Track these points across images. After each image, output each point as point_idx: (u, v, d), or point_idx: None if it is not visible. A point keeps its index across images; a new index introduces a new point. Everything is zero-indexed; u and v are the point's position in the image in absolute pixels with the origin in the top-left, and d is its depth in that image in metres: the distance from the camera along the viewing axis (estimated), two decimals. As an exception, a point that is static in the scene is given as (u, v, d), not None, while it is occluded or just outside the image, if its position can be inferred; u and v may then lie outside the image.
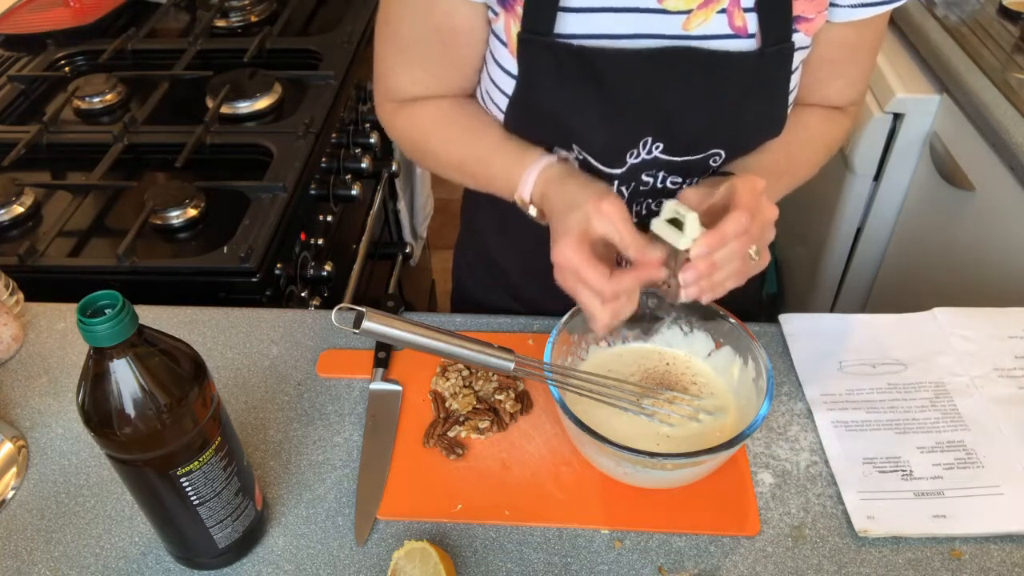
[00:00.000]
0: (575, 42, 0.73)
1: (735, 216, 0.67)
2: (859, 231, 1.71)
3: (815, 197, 1.76)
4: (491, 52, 0.80)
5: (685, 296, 0.70)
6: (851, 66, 0.85)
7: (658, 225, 0.70)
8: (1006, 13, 1.50)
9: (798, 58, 0.79)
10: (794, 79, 0.80)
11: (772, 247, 0.73)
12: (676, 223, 0.69)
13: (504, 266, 1.02)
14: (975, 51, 1.40)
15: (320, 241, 1.32)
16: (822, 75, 0.84)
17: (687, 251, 0.68)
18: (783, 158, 0.83)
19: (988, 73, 1.34)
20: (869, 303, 1.80)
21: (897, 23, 1.62)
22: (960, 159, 1.40)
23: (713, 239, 0.67)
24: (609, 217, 0.69)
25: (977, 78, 1.35)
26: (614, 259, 0.73)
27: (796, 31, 0.76)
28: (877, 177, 1.61)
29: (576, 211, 0.71)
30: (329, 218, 1.38)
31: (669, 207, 0.69)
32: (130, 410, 0.59)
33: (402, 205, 1.84)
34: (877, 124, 1.52)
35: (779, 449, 0.81)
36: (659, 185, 0.83)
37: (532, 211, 0.79)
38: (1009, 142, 1.24)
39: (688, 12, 0.73)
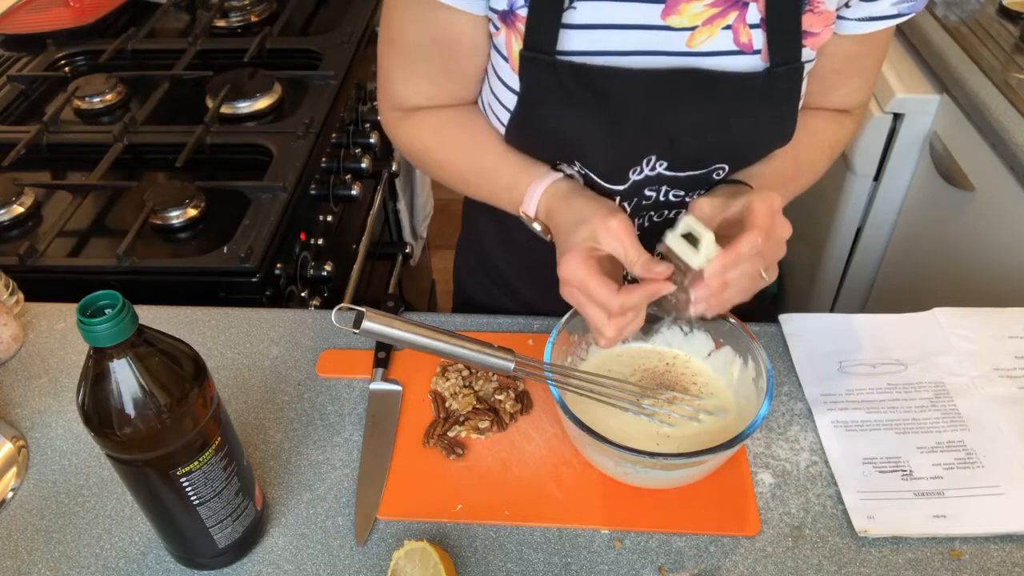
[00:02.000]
0: (577, 59, 0.72)
1: (750, 237, 0.67)
2: (859, 231, 1.71)
3: (815, 197, 1.76)
4: (492, 66, 0.79)
5: (693, 312, 0.70)
6: (856, 75, 0.84)
7: (672, 239, 0.69)
8: (1006, 13, 1.50)
9: (804, 70, 0.78)
10: (801, 91, 0.79)
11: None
12: (690, 238, 0.68)
13: (504, 270, 1.02)
14: (975, 51, 1.40)
15: (320, 241, 1.32)
16: (827, 83, 0.83)
17: (700, 269, 0.68)
18: (790, 164, 0.83)
19: (988, 73, 1.34)
20: (869, 303, 1.80)
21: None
22: (960, 159, 1.40)
23: (728, 259, 0.67)
24: (617, 234, 0.69)
25: (977, 78, 1.35)
26: (620, 277, 0.73)
27: (802, 46, 0.75)
28: (877, 177, 1.62)
29: (583, 227, 0.70)
30: (329, 218, 1.38)
31: (685, 223, 0.69)
32: (130, 410, 0.59)
33: (402, 205, 1.84)
34: (877, 124, 1.52)
35: (779, 449, 0.81)
36: (662, 199, 0.83)
37: (536, 227, 0.78)
38: (1009, 142, 1.24)
39: (692, 29, 0.72)
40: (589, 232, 0.70)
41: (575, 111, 0.75)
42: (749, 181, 0.79)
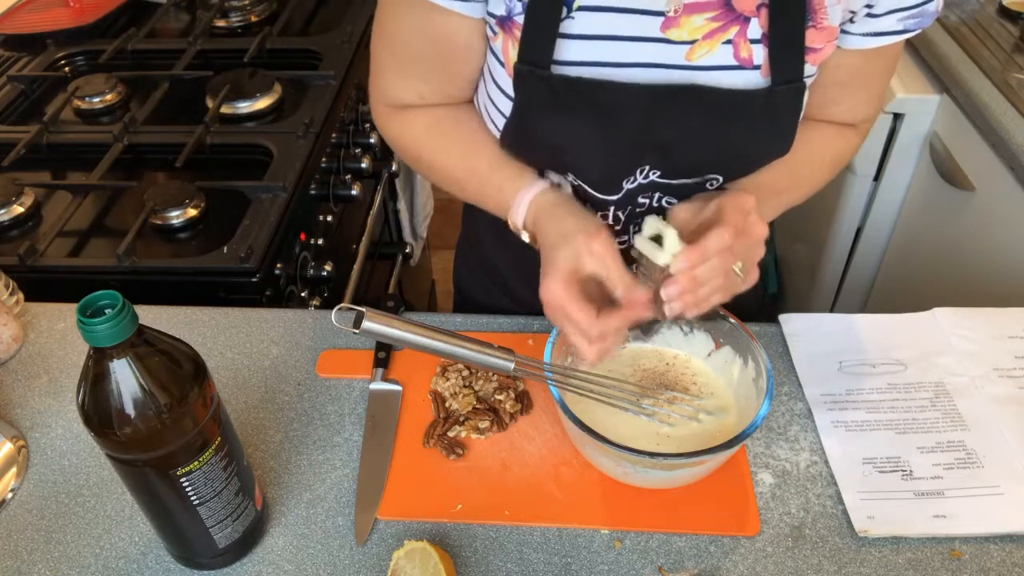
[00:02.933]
0: (573, 71, 0.72)
1: (717, 232, 0.67)
2: (859, 231, 1.71)
3: (815, 197, 1.75)
4: (489, 70, 0.79)
5: (669, 312, 0.70)
6: (861, 88, 0.83)
7: (640, 242, 0.70)
8: (1006, 13, 1.50)
9: (806, 85, 0.77)
10: (802, 107, 0.78)
11: (772, 247, 0.73)
12: (659, 240, 0.69)
13: (504, 271, 1.02)
14: (975, 51, 1.40)
15: (320, 241, 1.32)
16: (830, 95, 0.82)
17: (668, 267, 0.68)
18: (785, 175, 0.83)
19: (988, 73, 1.34)
20: (869, 303, 1.80)
21: (897, 23, 1.62)
22: (960, 159, 1.40)
23: (694, 254, 0.67)
24: (599, 256, 0.69)
25: (977, 78, 1.35)
26: (605, 296, 0.72)
27: (805, 63, 0.74)
28: (877, 177, 1.62)
29: (567, 247, 0.70)
30: (329, 218, 1.38)
31: (651, 223, 0.70)
32: (130, 410, 0.59)
33: (402, 205, 1.84)
34: (877, 124, 1.51)
35: (779, 449, 0.81)
36: (655, 205, 0.83)
37: (525, 236, 0.78)
38: (1009, 142, 1.24)
39: (692, 42, 0.71)
40: (572, 253, 0.70)
41: (569, 122, 0.75)
42: (735, 189, 0.79)
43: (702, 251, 0.67)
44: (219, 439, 0.65)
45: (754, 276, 0.72)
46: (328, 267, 1.28)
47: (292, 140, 1.29)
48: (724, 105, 0.73)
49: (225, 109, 1.37)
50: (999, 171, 1.28)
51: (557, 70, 0.72)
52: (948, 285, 1.48)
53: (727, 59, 0.72)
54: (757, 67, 0.73)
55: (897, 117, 1.51)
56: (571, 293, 0.68)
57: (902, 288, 1.66)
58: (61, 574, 0.72)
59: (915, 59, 1.55)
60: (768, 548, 0.73)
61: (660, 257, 0.68)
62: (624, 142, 0.75)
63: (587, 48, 0.72)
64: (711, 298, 0.71)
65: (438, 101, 0.84)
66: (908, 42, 1.57)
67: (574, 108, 0.74)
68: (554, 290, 0.69)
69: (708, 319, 0.81)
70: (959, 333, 0.90)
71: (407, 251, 1.79)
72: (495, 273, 1.04)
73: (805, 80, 0.75)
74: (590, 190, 0.80)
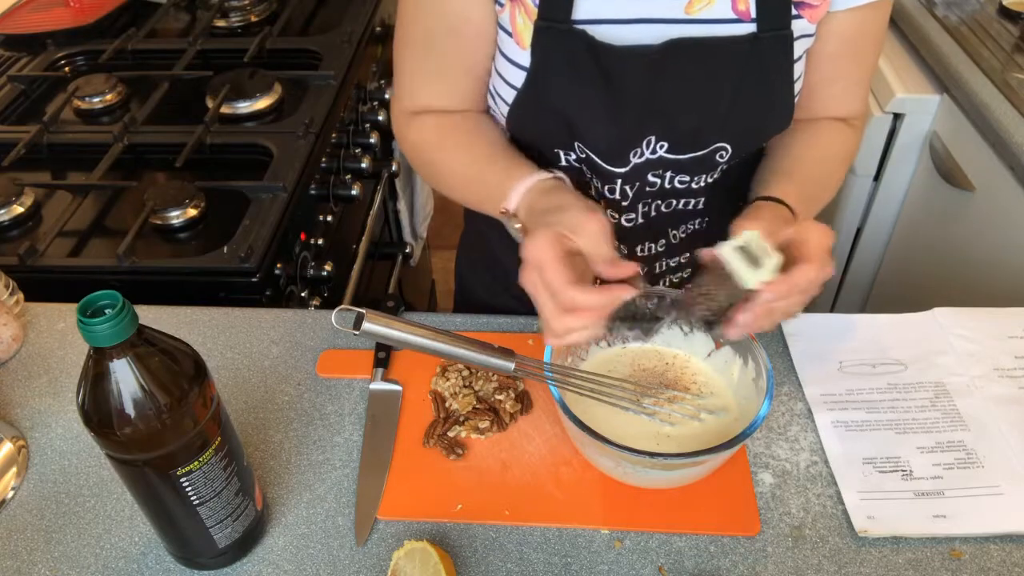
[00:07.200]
0: (590, 29, 0.74)
1: (807, 270, 0.65)
2: (859, 231, 1.72)
3: (815, 197, 1.76)
4: (499, 46, 0.80)
5: (732, 334, 0.69)
6: (852, 66, 0.85)
7: (729, 252, 0.66)
8: (1006, 13, 1.50)
9: (801, 47, 0.78)
10: (798, 68, 0.80)
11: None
12: (745, 252, 0.65)
13: (508, 266, 1.02)
14: (975, 51, 1.40)
15: (320, 241, 1.32)
16: (823, 74, 0.84)
17: (750, 290, 0.65)
18: (817, 183, 0.83)
19: (988, 73, 1.34)
20: (869, 303, 1.80)
21: (897, 23, 1.63)
22: (960, 159, 1.40)
23: (782, 288, 0.65)
24: (592, 232, 0.67)
25: (977, 78, 1.35)
26: (589, 280, 0.70)
27: (799, 17, 0.76)
28: (877, 177, 1.62)
29: (561, 214, 0.70)
30: (329, 218, 1.38)
31: (749, 237, 0.65)
32: (130, 410, 0.59)
33: (402, 205, 1.84)
34: (877, 124, 1.52)
35: (779, 449, 0.81)
36: (667, 185, 0.83)
37: (516, 225, 0.77)
38: (1009, 142, 1.24)
39: None
40: (566, 220, 0.68)
41: (580, 84, 0.76)
42: (782, 198, 0.78)
43: (790, 286, 0.65)
44: (219, 439, 0.65)
45: (799, 312, 0.71)
46: (328, 267, 1.28)
47: (292, 140, 1.29)
48: (713, 55, 0.75)
49: (225, 109, 1.37)
50: (999, 171, 1.28)
51: (576, 28, 0.74)
52: (948, 285, 1.48)
53: (726, 12, 0.74)
54: (755, 20, 0.74)
55: (897, 117, 1.51)
56: (554, 253, 0.65)
57: (902, 288, 1.66)
58: (61, 574, 0.72)
59: (915, 59, 1.55)
60: (768, 548, 0.73)
61: (750, 279, 0.65)
62: (629, 109, 0.77)
63: (596, 4, 0.73)
64: (763, 327, 0.70)
65: (455, 103, 0.85)
66: (908, 42, 1.58)
67: (586, 69, 0.75)
68: (540, 245, 0.66)
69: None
70: (959, 333, 0.90)
71: (407, 251, 1.79)
72: (498, 269, 1.04)
73: (798, 37, 0.76)
74: (598, 161, 0.81)
